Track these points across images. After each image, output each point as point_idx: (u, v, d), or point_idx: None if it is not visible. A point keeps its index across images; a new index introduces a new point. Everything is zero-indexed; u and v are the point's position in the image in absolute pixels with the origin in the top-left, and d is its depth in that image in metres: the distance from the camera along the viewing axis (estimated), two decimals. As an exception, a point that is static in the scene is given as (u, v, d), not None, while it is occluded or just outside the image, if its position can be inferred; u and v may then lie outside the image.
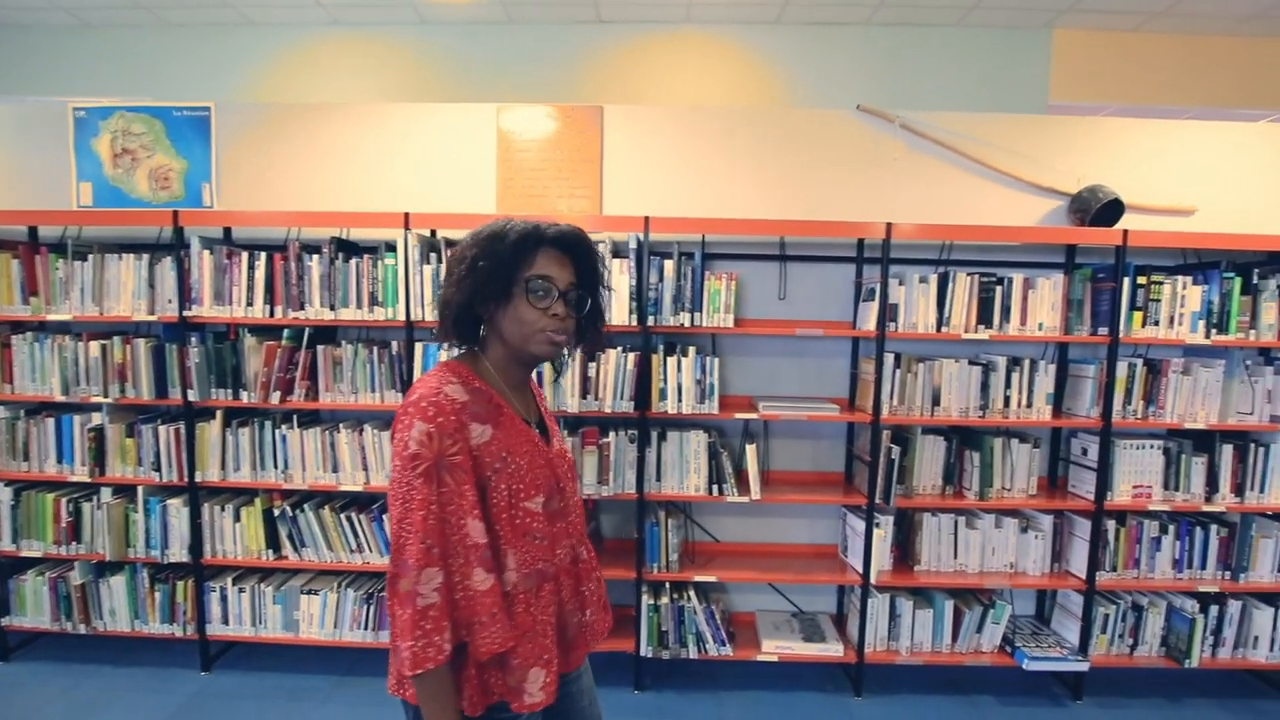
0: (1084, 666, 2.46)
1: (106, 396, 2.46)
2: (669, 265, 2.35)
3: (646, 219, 2.32)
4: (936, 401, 2.51)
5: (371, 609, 2.54)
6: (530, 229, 1.07)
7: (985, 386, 2.50)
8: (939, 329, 2.46)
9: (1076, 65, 4.04)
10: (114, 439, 2.50)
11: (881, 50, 4.04)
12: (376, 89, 3.93)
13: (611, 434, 2.41)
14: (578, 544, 1.20)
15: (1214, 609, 2.54)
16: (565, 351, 1.16)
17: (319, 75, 3.90)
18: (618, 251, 2.42)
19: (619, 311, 2.36)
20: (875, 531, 2.47)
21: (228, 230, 2.63)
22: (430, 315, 2.38)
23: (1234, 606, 2.55)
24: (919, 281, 2.45)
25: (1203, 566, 2.56)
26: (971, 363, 2.50)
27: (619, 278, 2.35)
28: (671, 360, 2.37)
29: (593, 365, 2.38)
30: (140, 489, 2.51)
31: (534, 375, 1.25)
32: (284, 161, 2.71)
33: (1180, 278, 2.45)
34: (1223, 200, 2.67)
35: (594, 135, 2.63)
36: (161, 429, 2.47)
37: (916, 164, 2.67)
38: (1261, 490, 2.52)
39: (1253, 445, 2.51)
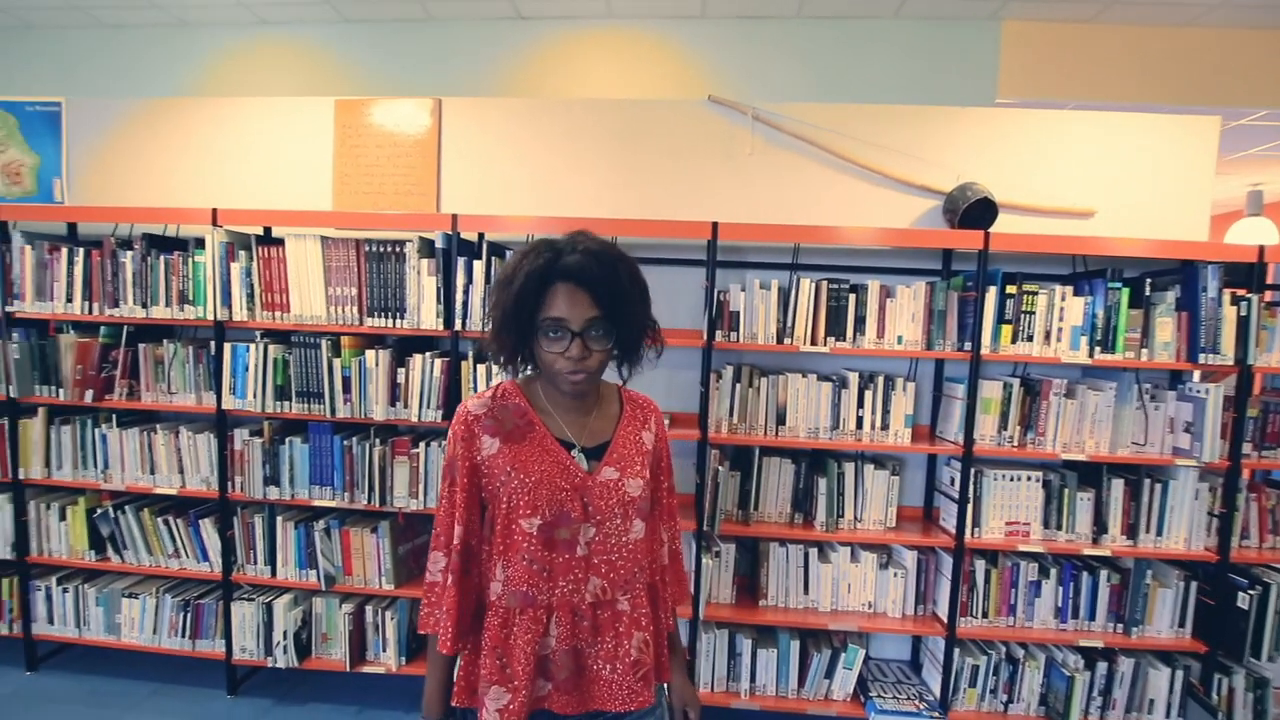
0: (938, 724, 2.19)
1: (-65, 390, 2.46)
2: (478, 267, 2.20)
3: (454, 217, 2.18)
4: (782, 420, 2.28)
5: (188, 616, 2.46)
6: (537, 268, 1.01)
7: (837, 405, 2.26)
8: (780, 340, 2.23)
9: (1027, 59, 3.74)
10: (-54, 433, 2.49)
11: (813, 45, 3.82)
12: (303, 88, 3.92)
13: (422, 444, 2.27)
14: (613, 588, 1.08)
15: (1103, 665, 2.23)
16: (626, 367, 1.13)
17: (249, 75, 3.92)
18: (433, 251, 2.28)
19: (427, 315, 2.22)
20: (707, 561, 2.25)
21: (72, 226, 2.61)
22: (239, 314, 2.29)
23: (1125, 664, 2.23)
24: (759, 287, 2.23)
25: (1090, 617, 2.25)
26: (821, 378, 2.27)
27: (426, 279, 2.21)
28: (482, 368, 2.22)
29: (401, 370, 2.25)
30: (-32, 484, 2.50)
31: (618, 398, 1.21)
32: (135, 157, 2.68)
33: (1059, 288, 2.17)
34: (1124, 201, 2.37)
35: (431, 129, 2.50)
36: (-14, 424, 2.46)
37: (775, 160, 2.46)
38: (1159, 533, 2.20)
39: (1148, 480, 2.19)
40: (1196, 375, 2.26)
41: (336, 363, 2.25)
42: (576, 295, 1.01)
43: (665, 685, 1.23)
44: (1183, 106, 3.56)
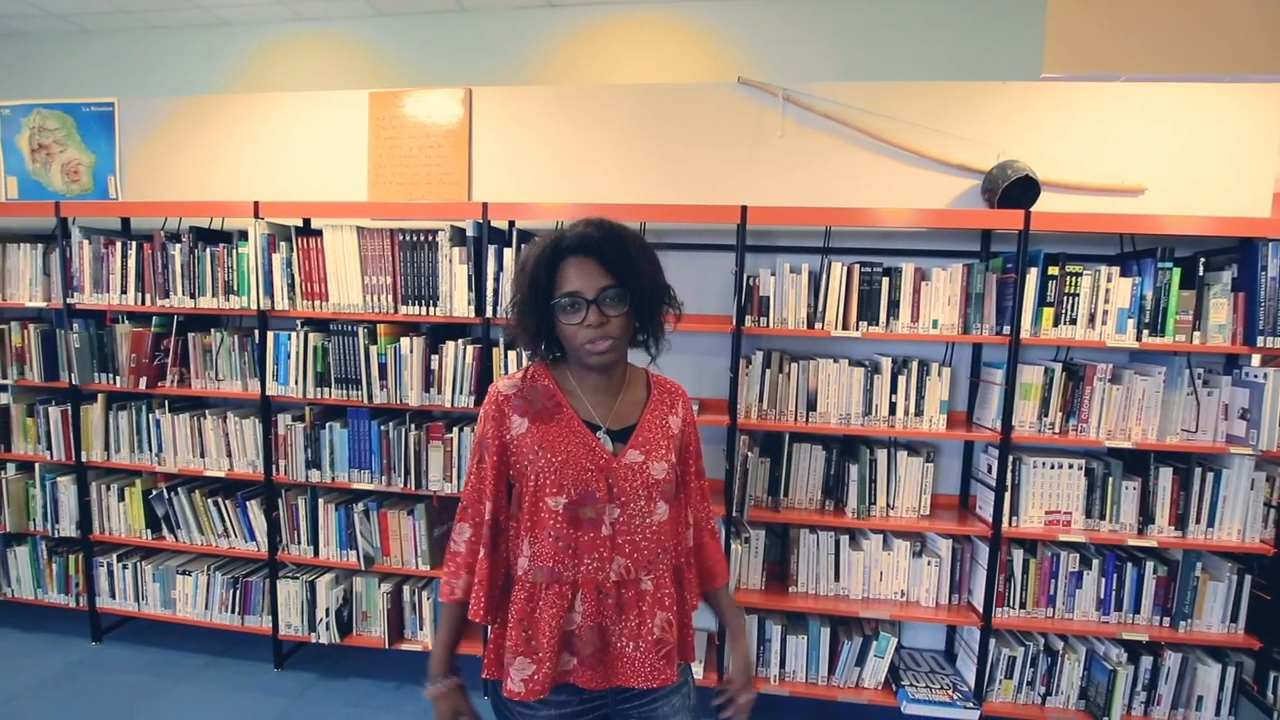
0: (972, 716, 2.15)
1: (6, 378, 2.61)
2: (509, 254, 2.22)
3: (485, 205, 2.21)
4: (813, 406, 2.25)
5: (237, 593, 2.57)
6: (543, 250, 1.06)
7: (869, 391, 2.22)
8: (810, 325, 2.20)
9: (1076, 30, 3.57)
10: (16, 418, 2.65)
11: (846, 22, 3.74)
12: (338, 82, 4.01)
13: (455, 430, 2.32)
14: (636, 568, 1.10)
15: (1147, 660, 2.16)
16: (652, 342, 1.16)
17: (286, 70, 4.04)
18: (464, 240, 2.31)
19: (459, 302, 2.26)
20: (737, 547, 2.25)
21: (126, 221, 2.73)
22: (281, 304, 2.37)
23: (1172, 658, 2.16)
24: (789, 272, 2.20)
25: (1135, 610, 2.18)
26: (853, 363, 2.23)
27: (458, 267, 2.25)
28: (513, 354, 2.25)
29: (434, 357, 2.30)
30: (38, 466, 2.65)
31: (645, 383, 1.21)
32: (180, 152, 2.78)
33: (1105, 268, 2.08)
34: (1177, 178, 2.25)
35: (463, 119, 2.53)
36: (51, 410, 2.60)
37: (806, 141, 2.41)
38: (1210, 524, 2.11)
39: (1199, 469, 2.10)
40: (1255, 359, 2.15)
41: (373, 350, 2.31)
42: (586, 265, 1.04)
43: (689, 665, 1.24)
44: (1245, 75, 3.36)
